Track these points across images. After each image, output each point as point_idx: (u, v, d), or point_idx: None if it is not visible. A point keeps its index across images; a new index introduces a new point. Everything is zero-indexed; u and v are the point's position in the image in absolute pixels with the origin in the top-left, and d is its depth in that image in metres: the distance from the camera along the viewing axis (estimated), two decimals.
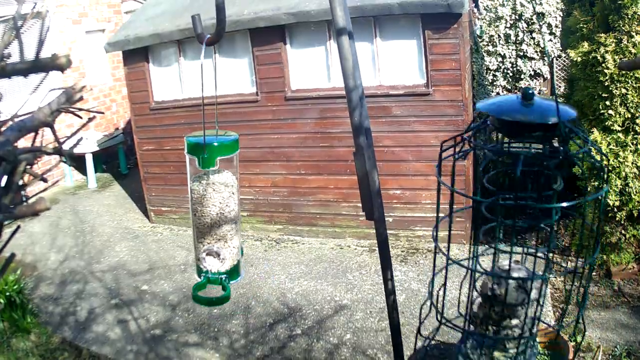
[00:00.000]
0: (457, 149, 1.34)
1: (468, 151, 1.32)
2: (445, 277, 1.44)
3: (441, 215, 1.45)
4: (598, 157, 1.32)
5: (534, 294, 1.34)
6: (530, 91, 1.25)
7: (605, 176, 1.27)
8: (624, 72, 3.46)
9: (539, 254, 1.35)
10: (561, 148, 1.22)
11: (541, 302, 1.36)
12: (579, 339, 3.37)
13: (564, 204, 1.19)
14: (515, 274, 1.36)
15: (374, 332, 3.57)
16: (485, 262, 1.44)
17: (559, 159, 1.21)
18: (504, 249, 1.38)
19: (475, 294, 1.39)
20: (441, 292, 1.42)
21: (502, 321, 1.36)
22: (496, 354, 1.38)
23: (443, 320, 1.38)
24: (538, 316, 1.32)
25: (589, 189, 3.66)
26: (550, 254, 1.33)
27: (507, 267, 1.36)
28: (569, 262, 3.69)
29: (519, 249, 1.41)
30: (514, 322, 1.36)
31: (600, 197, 1.26)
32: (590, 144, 1.24)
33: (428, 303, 1.43)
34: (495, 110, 1.29)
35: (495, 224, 1.36)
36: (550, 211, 1.26)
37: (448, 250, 1.39)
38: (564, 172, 1.24)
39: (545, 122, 1.21)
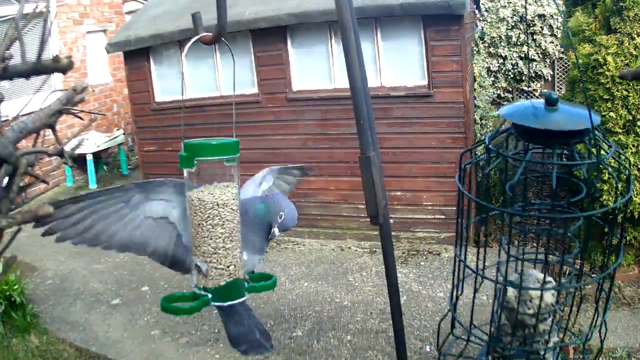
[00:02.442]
0: (474, 157, 1.32)
1: (484, 158, 1.29)
2: (474, 295, 1.39)
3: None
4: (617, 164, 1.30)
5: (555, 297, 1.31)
6: (554, 96, 1.21)
7: (629, 183, 1.25)
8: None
9: (561, 262, 1.33)
10: (588, 154, 1.19)
11: (567, 312, 1.33)
12: (577, 340, 3.37)
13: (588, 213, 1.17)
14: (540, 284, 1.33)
15: (375, 333, 3.57)
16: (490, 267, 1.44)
17: (588, 165, 1.18)
18: (522, 257, 1.35)
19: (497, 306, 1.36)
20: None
21: (528, 333, 1.34)
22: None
23: (470, 336, 1.34)
24: (564, 326, 1.30)
25: (603, 196, 3.66)
26: (571, 262, 1.31)
27: (533, 278, 1.33)
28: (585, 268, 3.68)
29: (541, 256, 1.39)
30: (540, 332, 1.33)
31: (622, 204, 1.24)
32: (614, 149, 1.21)
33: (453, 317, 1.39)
34: (519, 117, 1.25)
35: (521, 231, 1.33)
36: (574, 218, 1.23)
37: (474, 260, 1.38)
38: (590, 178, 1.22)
39: (576, 129, 1.17)
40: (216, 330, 3.70)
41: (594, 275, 1.37)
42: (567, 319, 1.31)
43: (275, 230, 1.66)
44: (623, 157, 1.32)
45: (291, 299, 4.06)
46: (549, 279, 1.30)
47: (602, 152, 1.20)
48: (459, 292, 1.41)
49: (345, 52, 1.77)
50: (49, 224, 1.56)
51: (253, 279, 1.68)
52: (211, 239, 1.51)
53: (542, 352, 1.32)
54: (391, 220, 5.08)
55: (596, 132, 1.21)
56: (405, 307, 3.82)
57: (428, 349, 3.37)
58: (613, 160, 1.29)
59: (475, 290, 1.38)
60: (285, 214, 1.67)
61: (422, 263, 4.46)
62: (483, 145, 1.29)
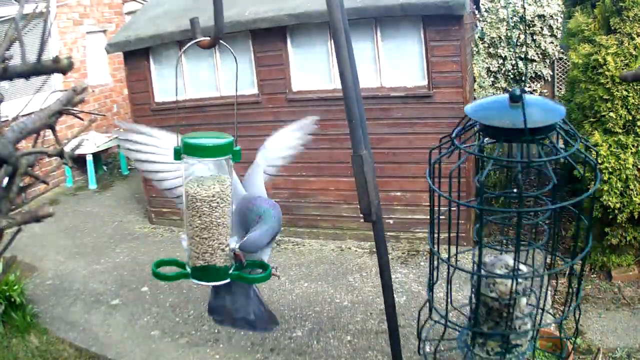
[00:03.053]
0: (444, 151, 1.35)
1: (448, 152, 1.33)
2: (450, 282, 1.44)
3: (439, 217, 1.46)
4: (591, 155, 1.33)
5: (524, 285, 1.35)
6: (518, 92, 1.23)
7: (596, 172, 1.27)
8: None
9: (535, 251, 1.36)
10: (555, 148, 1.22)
11: (539, 297, 1.36)
12: (578, 340, 3.37)
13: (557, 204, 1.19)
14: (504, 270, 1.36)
15: (374, 334, 3.57)
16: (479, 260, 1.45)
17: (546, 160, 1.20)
18: (496, 247, 1.39)
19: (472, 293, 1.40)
20: (441, 295, 1.42)
21: (499, 316, 1.37)
22: (491, 343, 1.40)
23: (443, 321, 1.39)
24: (534, 312, 1.32)
25: (603, 196, 3.66)
26: (545, 252, 1.34)
27: (507, 266, 1.36)
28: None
29: (513, 247, 1.42)
30: (518, 312, 1.37)
31: (591, 195, 1.26)
32: (579, 140, 1.23)
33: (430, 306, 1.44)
34: (480, 114, 1.29)
35: (481, 223, 1.38)
36: (547, 210, 1.27)
37: (449, 254, 1.40)
38: (565, 173, 1.24)
39: (530, 126, 1.19)
40: (216, 331, 3.70)
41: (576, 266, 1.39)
42: (537, 305, 1.34)
43: (233, 244, 1.72)
44: (591, 151, 1.34)
45: (291, 299, 4.06)
46: (521, 266, 1.33)
47: (571, 146, 1.22)
48: (434, 280, 1.47)
49: (337, 52, 1.78)
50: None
51: (250, 266, 1.81)
52: (190, 225, 1.65)
53: (514, 337, 1.35)
54: (391, 221, 5.11)
55: (562, 125, 1.23)
56: (405, 307, 3.82)
57: (428, 349, 3.36)
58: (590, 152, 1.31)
59: (449, 280, 1.43)
60: (247, 238, 1.74)
61: (422, 263, 4.46)
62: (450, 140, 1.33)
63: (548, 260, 1.40)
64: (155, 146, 1.97)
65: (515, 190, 1.32)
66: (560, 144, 1.27)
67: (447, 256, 1.43)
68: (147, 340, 3.69)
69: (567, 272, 1.50)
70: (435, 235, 1.45)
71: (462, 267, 1.41)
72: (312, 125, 2.45)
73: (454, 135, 1.33)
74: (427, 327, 1.54)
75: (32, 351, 3.65)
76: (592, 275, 4.08)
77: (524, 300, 1.37)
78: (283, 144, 2.48)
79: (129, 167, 7.45)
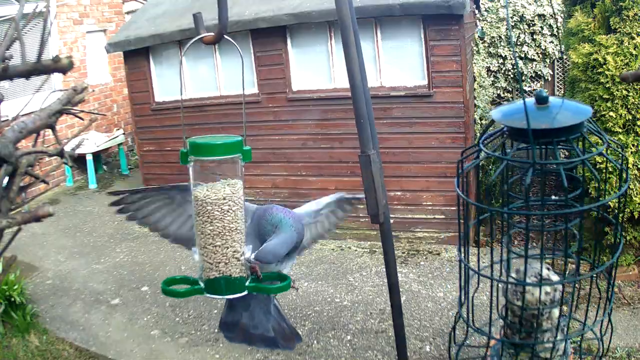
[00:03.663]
0: (470, 158, 1.31)
1: (477, 161, 1.29)
2: (467, 290, 1.43)
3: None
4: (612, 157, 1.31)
5: (558, 294, 1.32)
6: (545, 94, 1.21)
7: (624, 175, 1.25)
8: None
9: (565, 258, 1.33)
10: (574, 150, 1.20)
11: (567, 306, 1.34)
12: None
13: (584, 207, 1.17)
14: (553, 278, 1.33)
15: (374, 333, 3.57)
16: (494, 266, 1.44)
17: (572, 163, 1.18)
18: (523, 254, 1.36)
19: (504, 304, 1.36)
20: (469, 301, 1.38)
21: (531, 327, 1.34)
22: (522, 354, 1.36)
23: (472, 330, 1.35)
24: (570, 315, 1.30)
25: (590, 191, 3.66)
26: (572, 258, 1.31)
27: (533, 273, 1.33)
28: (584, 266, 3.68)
29: (543, 253, 1.39)
30: (547, 324, 1.34)
31: (621, 196, 1.24)
32: (605, 145, 1.21)
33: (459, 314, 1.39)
34: (508, 118, 1.26)
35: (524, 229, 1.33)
36: (572, 214, 1.24)
37: (475, 261, 1.38)
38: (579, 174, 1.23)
39: (561, 126, 1.17)
40: (216, 331, 3.70)
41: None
42: (568, 314, 1.31)
43: (247, 254, 1.65)
44: (617, 153, 1.32)
45: (291, 299, 4.06)
46: (549, 273, 1.31)
47: (596, 146, 1.20)
48: (465, 296, 1.41)
49: (345, 51, 1.77)
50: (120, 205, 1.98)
51: (268, 278, 1.70)
52: (201, 233, 1.57)
53: (544, 347, 1.33)
54: (391, 220, 5.08)
55: (590, 126, 1.22)
56: (405, 307, 3.82)
57: (428, 349, 3.37)
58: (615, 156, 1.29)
59: (475, 290, 1.40)
60: (266, 245, 1.70)
61: (422, 263, 4.46)
62: (477, 148, 1.29)
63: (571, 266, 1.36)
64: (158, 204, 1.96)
65: (553, 196, 1.30)
66: (580, 147, 1.25)
67: (466, 262, 1.38)
68: (147, 340, 3.69)
69: (592, 278, 1.46)
70: (463, 247, 1.39)
71: (488, 275, 1.36)
72: (347, 205, 2.29)
73: (480, 141, 1.29)
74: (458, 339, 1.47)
75: (32, 351, 3.65)
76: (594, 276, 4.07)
77: (556, 312, 1.34)
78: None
79: (129, 166, 7.45)
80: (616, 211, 3.72)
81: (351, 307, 3.90)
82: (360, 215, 4.92)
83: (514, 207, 1.42)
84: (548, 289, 1.28)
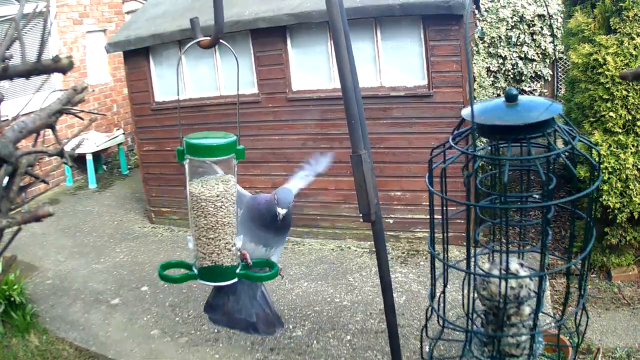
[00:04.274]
0: (446, 155, 1.35)
1: (455, 157, 1.33)
2: (445, 280, 1.44)
3: (437, 218, 1.46)
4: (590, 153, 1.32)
5: (525, 291, 1.34)
6: (514, 92, 1.24)
7: (597, 171, 1.27)
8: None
9: (534, 251, 1.36)
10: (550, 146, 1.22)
11: (538, 298, 1.36)
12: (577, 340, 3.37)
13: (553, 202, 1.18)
14: (520, 273, 1.35)
15: (374, 333, 3.57)
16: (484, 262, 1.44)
17: (545, 159, 1.21)
18: (498, 249, 1.39)
19: (474, 294, 1.39)
20: (441, 296, 1.41)
21: (503, 319, 1.36)
22: (489, 346, 1.38)
23: (445, 323, 1.38)
24: (537, 312, 1.32)
25: (603, 196, 3.66)
26: (545, 251, 1.33)
27: (499, 266, 1.36)
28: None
29: (514, 247, 1.41)
30: (515, 319, 1.36)
31: (592, 194, 1.26)
32: (578, 137, 1.23)
33: (431, 306, 1.43)
34: (478, 115, 1.29)
35: (487, 224, 1.38)
36: (547, 209, 1.27)
37: (446, 253, 1.40)
38: (565, 172, 1.24)
39: (525, 122, 1.20)
40: (216, 330, 3.70)
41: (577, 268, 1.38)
42: (535, 311, 1.33)
43: (279, 210, 1.80)
44: (591, 150, 1.34)
45: (291, 299, 4.06)
46: (519, 268, 1.33)
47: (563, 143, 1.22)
48: (436, 288, 1.46)
49: (336, 53, 1.79)
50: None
51: (257, 265, 1.82)
52: (196, 226, 1.66)
53: (509, 342, 1.34)
54: (390, 221, 5.11)
55: (558, 122, 1.24)
56: (405, 307, 3.82)
57: (427, 349, 3.36)
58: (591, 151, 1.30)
59: (445, 284, 1.45)
60: (277, 193, 1.84)
61: (422, 263, 4.46)
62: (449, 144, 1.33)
63: (550, 261, 1.39)
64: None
65: (535, 195, 1.32)
66: (561, 144, 1.27)
67: (441, 255, 1.42)
68: (147, 340, 3.69)
69: (566, 273, 1.50)
70: (440, 237, 1.43)
71: (458, 267, 1.40)
72: (327, 163, 2.37)
73: (451, 138, 1.33)
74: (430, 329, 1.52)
75: (32, 351, 3.65)
76: (592, 275, 4.08)
77: (527, 309, 1.35)
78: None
79: (129, 166, 7.45)
80: (615, 211, 3.73)
81: (351, 307, 3.90)
82: (361, 215, 4.92)
83: (487, 202, 1.47)
84: (513, 283, 1.31)
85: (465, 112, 1.28)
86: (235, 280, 1.72)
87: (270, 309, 2.12)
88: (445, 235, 1.40)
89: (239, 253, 1.72)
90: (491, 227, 1.47)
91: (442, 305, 1.42)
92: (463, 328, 1.38)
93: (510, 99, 1.25)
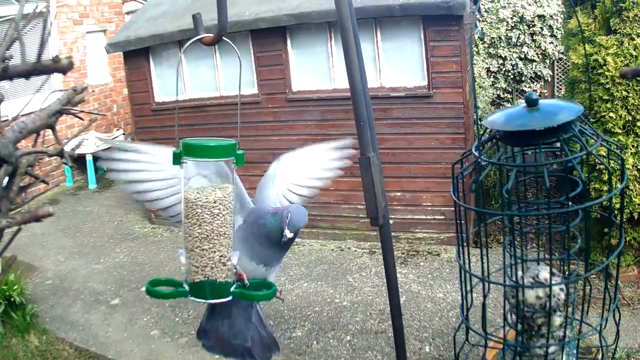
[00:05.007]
0: (466, 165, 1.32)
1: (487, 170, 1.29)
2: (485, 292, 1.43)
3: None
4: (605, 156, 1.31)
5: (554, 301, 1.31)
6: (534, 97, 1.22)
7: (619, 174, 1.25)
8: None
9: (564, 259, 1.34)
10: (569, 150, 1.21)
11: (569, 305, 1.34)
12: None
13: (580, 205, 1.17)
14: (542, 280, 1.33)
15: (374, 334, 3.57)
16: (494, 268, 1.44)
17: (564, 166, 1.19)
18: (528, 258, 1.35)
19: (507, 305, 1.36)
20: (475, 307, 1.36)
21: (536, 328, 1.33)
22: (524, 357, 1.36)
23: (476, 335, 1.35)
24: (569, 320, 1.30)
25: (592, 193, 3.66)
26: (572, 259, 1.31)
27: (536, 277, 1.33)
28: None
29: (541, 255, 1.39)
30: (545, 328, 1.33)
31: (615, 195, 1.24)
32: (600, 140, 1.21)
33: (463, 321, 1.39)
34: (500, 122, 1.27)
35: (520, 233, 1.33)
36: (570, 215, 1.24)
37: (474, 262, 1.38)
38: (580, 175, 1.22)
39: (550, 125, 1.18)
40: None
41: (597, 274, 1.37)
42: (567, 314, 1.31)
43: (287, 232, 1.65)
44: (613, 147, 1.33)
45: (291, 299, 4.06)
46: (547, 277, 1.30)
47: (589, 144, 1.20)
48: (469, 303, 1.40)
49: (345, 53, 1.77)
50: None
51: (254, 285, 1.68)
52: (189, 236, 1.55)
53: (537, 352, 1.32)
54: (390, 221, 5.08)
55: (580, 125, 1.22)
56: (405, 307, 3.82)
57: (427, 350, 3.37)
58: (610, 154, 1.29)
59: (485, 296, 1.38)
60: (291, 212, 1.68)
61: (422, 263, 4.46)
62: (472, 154, 1.30)
63: (572, 268, 1.36)
64: (147, 162, 1.80)
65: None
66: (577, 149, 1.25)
67: (468, 267, 1.37)
68: (147, 340, 3.69)
69: (604, 276, 1.46)
70: (462, 249, 1.39)
71: (493, 280, 1.36)
72: (351, 148, 2.17)
73: (474, 148, 1.30)
74: (464, 350, 1.47)
75: (32, 351, 3.65)
76: (591, 276, 4.08)
77: (557, 320, 1.33)
78: (314, 164, 2.19)
79: None
80: (615, 211, 3.73)
81: (351, 307, 3.90)
82: (360, 215, 4.93)
83: (514, 209, 1.43)
84: (540, 293, 1.27)
85: (490, 121, 1.26)
86: (230, 298, 1.58)
87: (266, 331, 1.97)
88: (485, 249, 1.36)
89: (234, 270, 1.60)
90: (518, 236, 1.44)
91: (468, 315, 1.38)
92: (498, 339, 1.35)
93: (531, 103, 1.23)
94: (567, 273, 1.28)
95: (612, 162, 3.62)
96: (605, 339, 1.43)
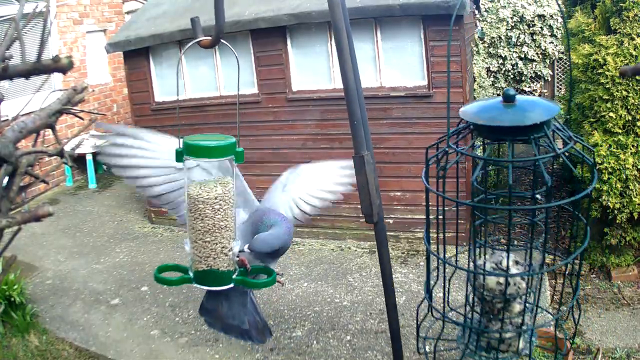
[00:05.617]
0: (442, 154, 1.36)
1: (441, 152, 1.33)
2: (443, 279, 1.45)
3: (432, 217, 1.48)
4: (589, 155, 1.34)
5: (513, 289, 1.35)
6: (512, 92, 1.24)
7: (594, 171, 1.27)
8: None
9: (533, 249, 1.37)
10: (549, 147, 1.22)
11: (533, 294, 1.37)
12: (578, 340, 3.37)
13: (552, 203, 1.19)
14: (511, 270, 1.37)
15: (374, 333, 3.57)
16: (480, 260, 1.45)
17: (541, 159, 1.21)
18: (494, 247, 1.40)
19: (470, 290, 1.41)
20: (439, 293, 1.42)
21: (497, 314, 1.38)
22: (483, 340, 1.41)
23: (441, 316, 1.41)
24: (532, 307, 1.33)
25: (602, 196, 3.67)
26: (541, 249, 1.35)
27: (499, 263, 1.37)
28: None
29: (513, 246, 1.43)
30: (511, 313, 1.37)
31: (588, 194, 1.26)
32: (575, 140, 1.23)
33: (425, 303, 1.46)
34: (474, 115, 1.29)
35: (483, 221, 1.39)
36: (544, 209, 1.27)
37: (444, 252, 1.41)
38: (565, 173, 1.25)
39: (521, 124, 1.20)
40: (215, 331, 3.70)
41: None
42: (523, 309, 1.35)
43: (237, 248, 1.68)
44: (591, 151, 1.35)
45: (290, 299, 4.06)
46: (511, 265, 1.34)
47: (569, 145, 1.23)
48: (435, 281, 1.53)
49: (339, 53, 1.78)
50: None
51: (255, 271, 1.77)
52: (192, 228, 1.63)
53: (494, 336, 1.36)
54: (390, 221, 5.11)
55: (555, 123, 1.24)
56: (405, 307, 3.82)
57: (427, 349, 3.36)
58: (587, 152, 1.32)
59: (445, 279, 1.53)
60: (257, 236, 1.73)
61: (422, 263, 4.46)
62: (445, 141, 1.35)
63: (547, 260, 1.40)
64: (142, 148, 1.85)
65: (533, 194, 1.32)
66: (560, 145, 1.27)
67: (443, 255, 1.44)
68: (147, 340, 3.69)
69: (565, 271, 1.51)
70: (436, 235, 1.45)
71: (459, 265, 1.42)
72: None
73: (448, 136, 1.34)
74: (426, 326, 1.55)
75: (32, 351, 3.65)
76: (591, 276, 4.08)
77: (517, 307, 1.37)
78: (328, 177, 2.29)
79: None
80: (615, 211, 3.73)
81: (351, 307, 3.90)
82: (360, 215, 4.91)
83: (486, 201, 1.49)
84: (501, 279, 1.32)
85: (463, 110, 1.29)
86: (232, 285, 1.67)
87: (260, 317, 2.08)
88: (444, 234, 1.41)
89: (236, 258, 1.67)
90: (488, 225, 1.48)
91: (439, 299, 1.43)
92: (459, 322, 1.40)
93: (508, 99, 1.25)
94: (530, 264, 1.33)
95: (612, 161, 3.61)
96: (565, 331, 1.47)
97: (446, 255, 1.41)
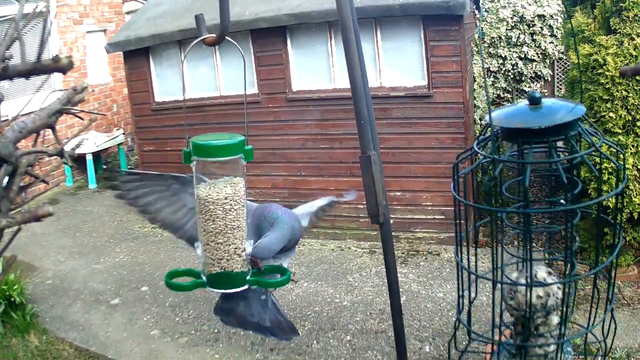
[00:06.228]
0: (468, 162, 1.32)
1: (477, 163, 1.30)
2: (475, 292, 1.40)
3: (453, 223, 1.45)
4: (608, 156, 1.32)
5: (553, 300, 1.31)
6: (537, 95, 1.23)
7: (621, 174, 1.26)
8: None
9: (560, 258, 1.34)
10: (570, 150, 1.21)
11: (568, 305, 1.34)
12: (578, 341, 3.37)
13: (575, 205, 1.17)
14: (547, 280, 1.33)
15: (374, 333, 3.57)
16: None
17: (569, 163, 1.19)
18: (523, 257, 1.35)
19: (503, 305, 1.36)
20: (465, 306, 1.37)
21: (530, 329, 1.34)
22: (533, 358, 1.36)
23: (473, 336, 1.35)
24: (565, 319, 1.30)
25: (590, 191, 3.66)
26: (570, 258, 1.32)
27: (535, 276, 1.33)
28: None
29: (539, 254, 1.39)
30: (543, 329, 1.33)
31: (618, 194, 1.24)
32: (602, 141, 1.22)
33: (457, 319, 1.39)
34: (507, 120, 1.27)
35: (523, 231, 1.33)
36: (569, 214, 1.24)
37: (474, 261, 1.37)
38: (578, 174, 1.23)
39: (552, 124, 1.19)
40: (216, 330, 3.70)
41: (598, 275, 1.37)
42: (563, 321, 1.31)
43: (249, 248, 1.68)
44: (611, 150, 1.34)
45: (291, 299, 4.06)
46: (546, 276, 1.31)
47: (589, 144, 1.21)
48: (469, 299, 1.40)
49: (346, 52, 1.77)
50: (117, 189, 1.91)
51: (269, 271, 1.74)
52: (204, 230, 1.60)
53: (537, 352, 1.33)
54: (391, 221, 5.08)
55: (582, 124, 1.23)
56: (405, 307, 3.82)
57: (427, 349, 3.37)
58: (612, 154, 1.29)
59: (476, 292, 1.39)
60: (258, 243, 1.71)
61: (422, 263, 4.46)
62: (473, 151, 1.31)
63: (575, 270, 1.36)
64: (158, 191, 1.89)
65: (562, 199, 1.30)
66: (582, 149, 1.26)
67: (474, 269, 1.37)
68: (147, 340, 3.69)
69: (593, 279, 1.46)
70: (466, 248, 1.39)
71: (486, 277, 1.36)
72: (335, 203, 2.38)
73: (475, 143, 1.31)
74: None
75: (32, 351, 3.65)
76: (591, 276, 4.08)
77: (555, 319, 1.33)
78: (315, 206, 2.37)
79: (129, 166, 7.45)
80: (615, 211, 3.73)
81: (351, 307, 3.90)
82: (361, 215, 4.93)
83: (515, 208, 1.43)
84: (540, 292, 1.28)
85: (494, 118, 1.26)
86: (246, 286, 1.65)
87: (283, 317, 2.06)
88: (466, 241, 1.37)
89: (249, 259, 1.65)
90: (518, 235, 1.45)
91: (466, 316, 1.39)
92: (490, 339, 1.36)
93: (534, 101, 1.24)
94: (566, 273, 1.29)
95: (609, 162, 3.60)
96: (597, 337, 1.44)
97: (473, 269, 1.36)
